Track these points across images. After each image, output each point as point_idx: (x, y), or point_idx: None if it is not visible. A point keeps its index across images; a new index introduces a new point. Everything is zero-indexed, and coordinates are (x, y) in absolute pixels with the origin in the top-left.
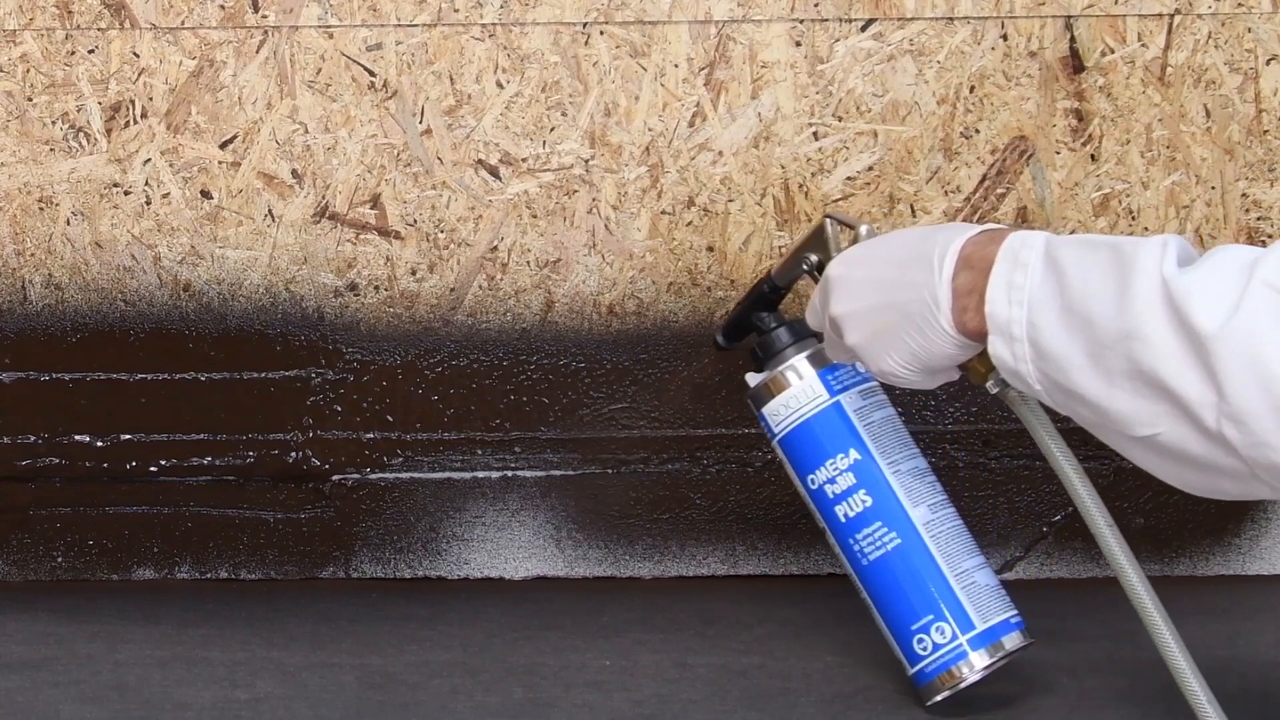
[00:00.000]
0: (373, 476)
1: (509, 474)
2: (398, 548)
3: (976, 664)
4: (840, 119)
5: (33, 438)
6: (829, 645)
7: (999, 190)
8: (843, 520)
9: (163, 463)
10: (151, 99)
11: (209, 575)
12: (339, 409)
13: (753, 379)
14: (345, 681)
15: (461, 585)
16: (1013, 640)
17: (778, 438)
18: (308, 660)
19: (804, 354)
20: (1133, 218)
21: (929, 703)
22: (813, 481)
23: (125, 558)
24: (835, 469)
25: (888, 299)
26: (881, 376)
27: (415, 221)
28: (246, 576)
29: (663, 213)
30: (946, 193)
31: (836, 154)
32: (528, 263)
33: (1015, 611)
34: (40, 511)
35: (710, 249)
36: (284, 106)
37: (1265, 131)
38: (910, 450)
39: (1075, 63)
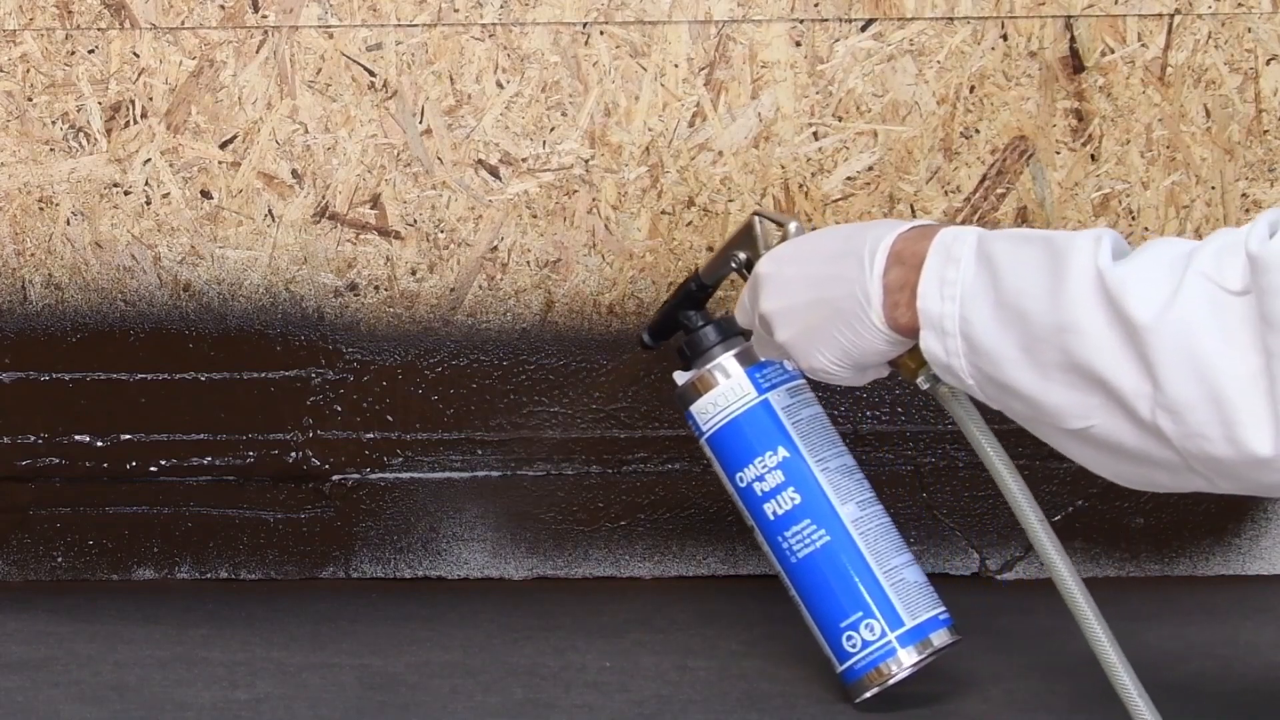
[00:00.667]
0: (373, 476)
1: (509, 474)
2: (398, 548)
3: (905, 661)
4: (840, 119)
5: (33, 438)
6: None
7: (999, 190)
8: (771, 518)
9: (163, 463)
10: (151, 99)
11: (209, 575)
12: (339, 409)
13: (680, 377)
14: (345, 682)
15: (461, 585)
16: (940, 637)
17: (706, 436)
18: (308, 660)
19: (731, 352)
20: (1133, 218)
21: (857, 700)
22: (741, 479)
23: (125, 558)
24: (764, 466)
25: (818, 295)
26: (811, 373)
27: (415, 221)
28: (246, 576)
29: (663, 213)
30: (946, 193)
31: (836, 154)
32: (528, 263)
33: (943, 608)
34: (40, 511)
35: (710, 249)
36: (284, 106)
37: (1265, 131)
38: (838, 448)
39: (1075, 63)
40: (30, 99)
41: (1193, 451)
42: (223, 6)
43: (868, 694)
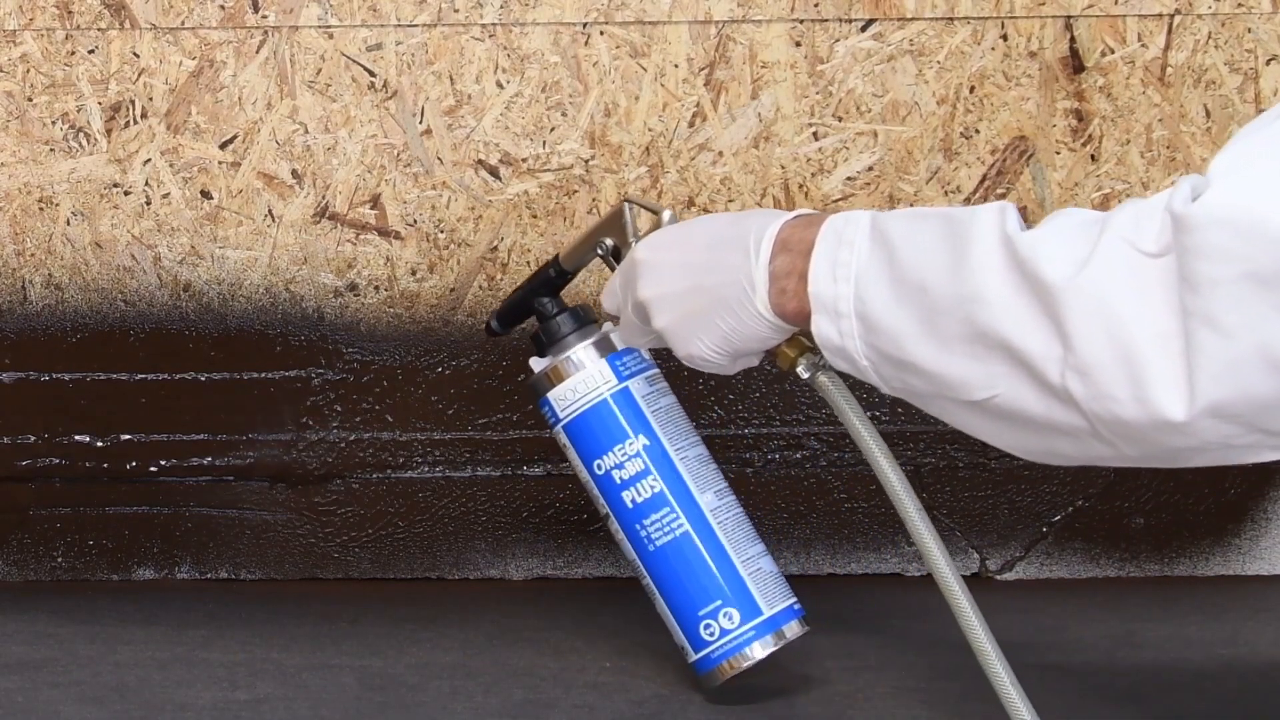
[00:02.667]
0: (373, 476)
1: (509, 473)
2: (398, 548)
3: (759, 651)
4: (840, 119)
5: (33, 438)
6: (829, 646)
7: (999, 190)
8: (630, 506)
9: (163, 463)
10: (151, 99)
11: (209, 575)
12: (339, 409)
13: (536, 364)
14: (345, 683)
15: (461, 585)
16: (792, 629)
17: (562, 423)
18: (308, 661)
19: (590, 340)
20: None
21: (710, 689)
22: (599, 467)
23: (125, 558)
24: (624, 454)
25: (699, 282)
26: (688, 360)
27: (415, 221)
28: (246, 576)
29: None
30: (946, 193)
31: (836, 154)
32: (528, 263)
33: (795, 599)
34: (40, 511)
35: None
36: (284, 106)
37: None
38: (694, 438)
39: (1075, 63)
40: (30, 99)
41: (1101, 414)
42: (223, 6)
43: (720, 683)
